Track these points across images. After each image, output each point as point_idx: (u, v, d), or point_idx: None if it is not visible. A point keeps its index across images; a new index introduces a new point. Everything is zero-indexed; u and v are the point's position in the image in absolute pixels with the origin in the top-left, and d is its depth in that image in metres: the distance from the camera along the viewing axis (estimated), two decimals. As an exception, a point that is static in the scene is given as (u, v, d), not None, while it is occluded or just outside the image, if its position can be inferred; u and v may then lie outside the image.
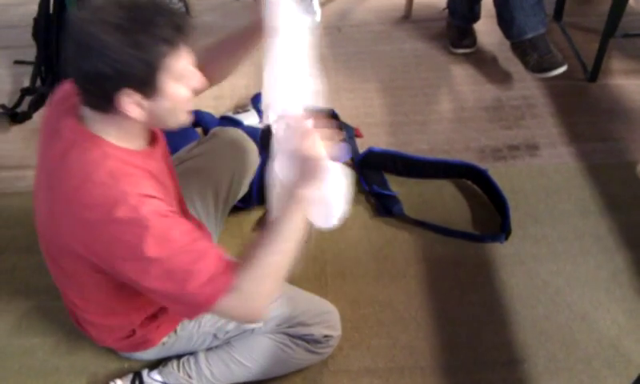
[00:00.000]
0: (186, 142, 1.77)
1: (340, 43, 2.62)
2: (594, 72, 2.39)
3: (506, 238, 1.85)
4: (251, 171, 1.81)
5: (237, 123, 2.03)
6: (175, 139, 1.52)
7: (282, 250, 1.14)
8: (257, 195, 1.89)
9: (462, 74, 2.48)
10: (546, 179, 2.05)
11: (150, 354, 1.49)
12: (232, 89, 2.36)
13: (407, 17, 2.74)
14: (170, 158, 1.40)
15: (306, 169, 1.14)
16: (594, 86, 2.40)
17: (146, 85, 1.06)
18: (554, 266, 1.80)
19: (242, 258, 1.14)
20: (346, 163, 2.07)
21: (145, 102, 1.08)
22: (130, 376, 1.52)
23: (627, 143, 2.16)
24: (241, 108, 2.21)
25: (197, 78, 1.14)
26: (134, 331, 1.40)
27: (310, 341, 1.49)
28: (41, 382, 1.57)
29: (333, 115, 2.18)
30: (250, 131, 1.91)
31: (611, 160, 2.10)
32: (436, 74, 2.48)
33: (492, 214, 1.94)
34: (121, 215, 1.06)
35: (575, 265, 1.80)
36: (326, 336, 1.50)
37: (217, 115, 2.16)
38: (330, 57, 2.54)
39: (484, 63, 2.52)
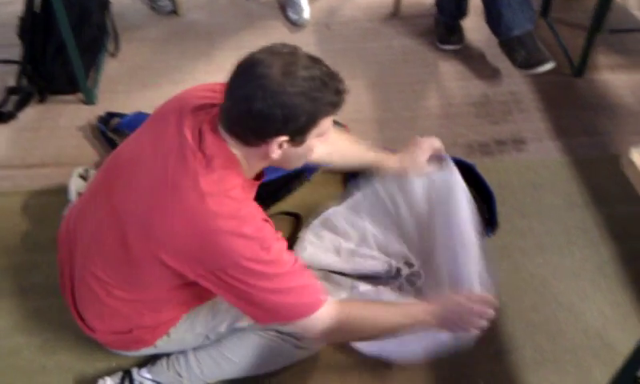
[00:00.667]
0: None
1: (328, 40, 2.63)
2: (581, 67, 2.41)
3: (493, 232, 1.86)
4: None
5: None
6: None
7: (382, 327, 1.33)
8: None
9: (449, 71, 2.49)
10: (532, 173, 2.06)
11: (140, 352, 1.49)
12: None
13: (395, 14, 2.75)
14: None
15: (459, 322, 1.32)
16: (581, 81, 2.41)
17: (300, 135, 1.18)
18: (541, 259, 1.81)
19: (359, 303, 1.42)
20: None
21: (288, 149, 1.19)
22: (120, 374, 1.52)
23: (612, 137, 2.18)
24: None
25: (329, 138, 1.26)
26: (131, 329, 1.40)
27: (299, 336, 1.50)
28: (27, 382, 1.56)
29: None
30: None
31: (597, 154, 2.12)
32: (424, 70, 2.49)
33: (479, 208, 1.94)
34: (248, 232, 1.17)
35: (561, 257, 1.81)
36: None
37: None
38: (319, 54, 2.49)
39: (472, 59, 2.53)
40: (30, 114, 2.30)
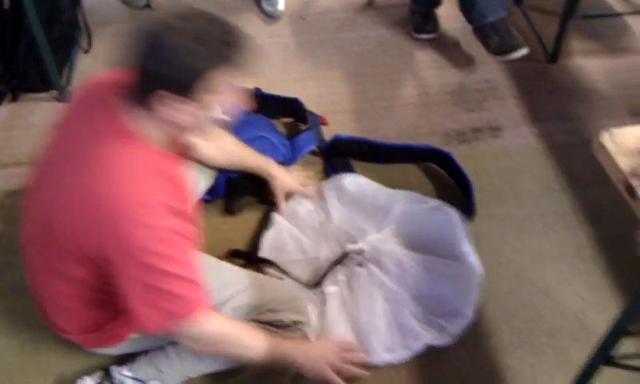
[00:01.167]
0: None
1: (304, 31, 2.62)
2: (554, 53, 2.43)
3: (471, 219, 1.87)
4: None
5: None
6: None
7: (246, 352, 1.36)
8: (223, 188, 1.88)
9: (425, 60, 2.49)
10: (509, 160, 2.08)
11: (116, 349, 1.47)
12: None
13: (370, 4, 2.75)
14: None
15: (325, 368, 1.44)
16: (554, 67, 2.44)
17: (199, 97, 1.12)
18: (519, 244, 1.83)
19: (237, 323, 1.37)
20: (312, 152, 2.08)
21: (190, 110, 1.14)
22: (99, 373, 1.51)
23: (586, 121, 2.20)
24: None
25: (234, 98, 1.21)
26: (101, 326, 1.39)
27: (280, 327, 1.50)
28: (6, 383, 1.55)
29: (298, 104, 2.18)
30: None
31: (572, 138, 2.14)
32: (400, 59, 2.50)
33: (457, 195, 1.96)
34: (144, 219, 1.13)
35: (539, 242, 1.84)
36: (295, 322, 1.51)
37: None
38: (294, 45, 2.53)
39: (447, 48, 2.54)
40: (3, 112, 2.27)
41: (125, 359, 1.52)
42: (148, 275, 1.17)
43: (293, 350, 1.43)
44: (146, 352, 1.51)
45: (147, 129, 1.18)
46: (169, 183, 1.21)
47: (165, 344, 1.49)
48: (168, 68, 1.08)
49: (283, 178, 1.85)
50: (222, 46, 1.11)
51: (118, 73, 1.21)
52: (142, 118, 1.17)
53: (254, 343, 1.36)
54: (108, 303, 1.35)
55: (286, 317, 1.49)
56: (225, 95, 1.18)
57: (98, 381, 1.49)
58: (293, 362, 1.42)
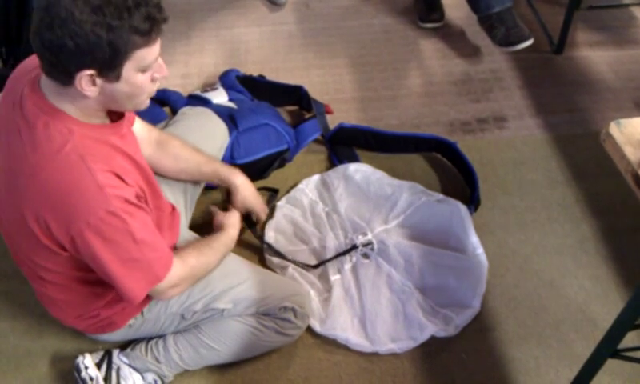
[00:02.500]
0: (154, 122, 1.75)
1: (308, 19, 2.60)
2: (560, 44, 2.42)
3: (475, 210, 1.87)
4: (221, 150, 1.80)
5: (205, 102, 2.01)
6: (142, 119, 1.49)
7: (214, 266, 1.41)
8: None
9: (430, 49, 2.48)
10: (513, 151, 2.07)
11: (116, 335, 1.47)
12: (200, 67, 2.33)
13: (375, -8, 2.74)
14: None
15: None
16: (560, 58, 2.43)
17: (109, 69, 1.06)
18: (523, 236, 1.83)
19: (194, 248, 1.38)
20: (317, 140, 2.08)
21: (104, 85, 1.08)
22: (101, 353, 1.50)
23: (592, 113, 2.20)
24: (209, 86, 2.18)
25: (161, 71, 1.15)
26: (98, 313, 1.38)
27: (279, 320, 1.49)
28: (13, 366, 1.55)
29: (302, 92, 2.17)
30: (219, 110, 1.89)
31: (577, 130, 2.14)
32: (405, 48, 2.49)
33: (461, 186, 1.96)
34: (88, 194, 1.09)
35: (543, 233, 1.84)
36: (296, 317, 1.50)
37: (184, 94, 2.13)
38: (299, 33, 2.52)
39: (452, 37, 2.53)
40: (6, 97, 2.25)
41: (127, 344, 1.53)
42: (119, 250, 1.15)
43: (233, 228, 1.51)
44: (146, 341, 1.50)
45: (69, 104, 1.12)
46: (109, 152, 1.17)
47: (165, 333, 1.49)
48: (85, 44, 1.01)
49: (247, 192, 1.65)
50: (143, 21, 1.04)
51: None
52: (65, 95, 1.11)
53: (212, 257, 1.41)
54: (97, 293, 1.34)
55: (288, 312, 1.50)
56: (147, 65, 1.11)
57: (97, 361, 1.48)
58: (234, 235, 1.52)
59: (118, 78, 1.08)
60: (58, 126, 1.11)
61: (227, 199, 1.69)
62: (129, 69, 1.08)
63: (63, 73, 1.06)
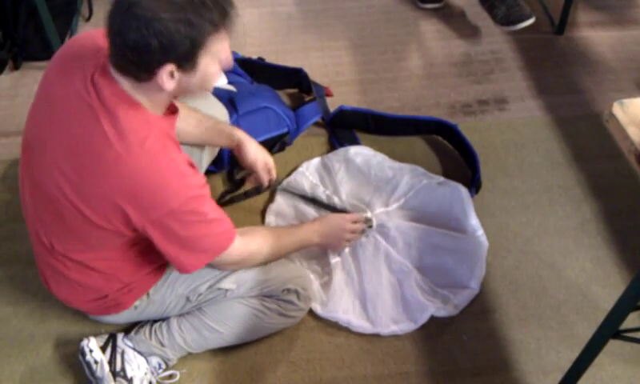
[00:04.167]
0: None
1: (307, 0, 2.58)
2: (561, 25, 2.41)
3: (477, 192, 1.87)
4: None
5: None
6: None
7: (281, 255, 1.52)
8: (227, 158, 1.87)
9: (430, 30, 2.47)
10: (514, 132, 2.07)
11: (121, 317, 1.48)
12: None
13: (375, -28, 2.71)
14: None
15: (335, 239, 1.64)
16: (561, 38, 2.42)
17: (187, 62, 1.12)
18: (524, 218, 1.83)
19: (261, 235, 1.47)
20: (317, 123, 2.07)
21: (181, 76, 1.14)
22: (105, 337, 1.51)
23: (593, 95, 2.19)
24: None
25: (228, 60, 1.20)
26: (106, 295, 1.39)
27: (282, 302, 1.50)
28: (16, 351, 1.56)
29: (302, 75, 2.16)
30: (219, 93, 1.88)
31: (578, 112, 2.13)
32: (405, 30, 2.47)
33: (462, 168, 1.95)
34: (173, 183, 1.18)
35: (544, 215, 1.84)
36: (299, 298, 1.51)
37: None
38: (298, 15, 2.50)
39: (452, 18, 2.51)
40: (5, 81, 2.24)
41: (131, 328, 1.53)
42: (187, 229, 1.24)
43: (310, 233, 1.58)
44: (150, 324, 1.51)
45: (141, 96, 1.17)
46: (175, 143, 1.24)
47: (169, 315, 1.50)
48: (168, 42, 1.07)
49: (254, 143, 1.67)
50: (218, 13, 1.11)
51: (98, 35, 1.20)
52: (139, 87, 1.16)
53: (286, 246, 1.51)
54: (113, 274, 1.36)
55: (291, 294, 1.50)
56: (220, 56, 1.18)
57: (102, 344, 1.48)
58: (311, 244, 1.60)
59: (194, 70, 1.14)
60: (138, 117, 1.16)
61: (235, 163, 1.73)
62: (205, 60, 1.14)
63: (144, 70, 1.11)
